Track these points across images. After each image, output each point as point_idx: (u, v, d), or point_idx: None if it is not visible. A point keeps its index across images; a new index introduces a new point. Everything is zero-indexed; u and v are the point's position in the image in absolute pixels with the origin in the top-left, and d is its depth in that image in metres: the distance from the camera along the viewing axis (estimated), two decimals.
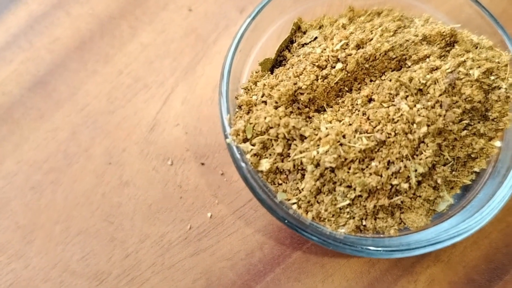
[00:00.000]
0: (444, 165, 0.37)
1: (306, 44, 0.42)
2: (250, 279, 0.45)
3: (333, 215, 0.36)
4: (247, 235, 0.46)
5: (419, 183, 0.36)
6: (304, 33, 0.44)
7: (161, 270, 0.45)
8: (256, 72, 0.42)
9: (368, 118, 0.36)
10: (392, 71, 0.38)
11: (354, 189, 0.36)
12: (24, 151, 0.50)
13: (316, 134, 0.35)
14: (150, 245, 0.46)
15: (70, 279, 0.45)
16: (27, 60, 0.53)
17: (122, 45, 0.53)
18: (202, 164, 0.48)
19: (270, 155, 0.37)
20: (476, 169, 0.39)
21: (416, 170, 0.35)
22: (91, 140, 0.50)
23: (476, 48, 0.39)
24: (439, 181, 0.36)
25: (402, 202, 0.36)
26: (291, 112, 0.37)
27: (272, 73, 0.42)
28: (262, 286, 0.44)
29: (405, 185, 0.35)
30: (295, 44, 0.43)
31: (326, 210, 0.36)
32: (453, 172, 0.39)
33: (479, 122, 0.38)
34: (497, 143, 0.39)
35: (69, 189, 0.48)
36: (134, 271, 0.45)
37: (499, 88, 0.37)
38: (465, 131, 0.37)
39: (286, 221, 0.36)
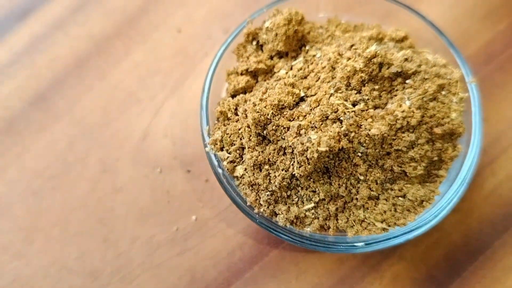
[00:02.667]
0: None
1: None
2: (231, 275, 0.49)
3: (297, 217, 0.41)
4: (229, 236, 0.50)
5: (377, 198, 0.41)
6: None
7: (150, 268, 0.50)
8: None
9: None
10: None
11: (318, 194, 0.40)
12: (26, 160, 0.54)
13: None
14: (140, 245, 0.50)
15: (67, 276, 0.50)
16: (29, 77, 0.58)
17: (117, 62, 0.58)
18: (188, 171, 0.53)
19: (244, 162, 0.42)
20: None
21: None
22: (87, 150, 0.54)
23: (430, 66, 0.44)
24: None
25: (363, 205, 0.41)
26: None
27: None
28: (242, 282, 0.49)
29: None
30: None
31: (292, 212, 0.40)
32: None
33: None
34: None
35: (67, 195, 0.53)
36: (125, 269, 0.50)
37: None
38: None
39: (257, 221, 0.41)
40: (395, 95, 0.40)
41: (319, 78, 0.41)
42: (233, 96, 0.45)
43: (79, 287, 0.49)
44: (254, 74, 0.46)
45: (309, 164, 0.38)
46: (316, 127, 0.38)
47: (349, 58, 0.40)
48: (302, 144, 0.37)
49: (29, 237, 0.51)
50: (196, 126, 0.54)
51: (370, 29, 0.47)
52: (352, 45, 0.42)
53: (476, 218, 0.50)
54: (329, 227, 0.41)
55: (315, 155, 0.36)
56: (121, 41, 0.59)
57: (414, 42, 0.46)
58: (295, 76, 0.43)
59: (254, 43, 0.47)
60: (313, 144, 0.36)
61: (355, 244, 0.40)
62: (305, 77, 0.43)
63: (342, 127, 0.37)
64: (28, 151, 0.55)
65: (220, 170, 0.42)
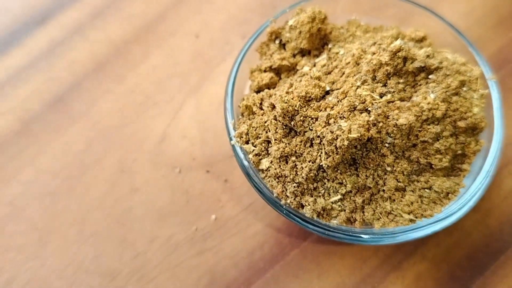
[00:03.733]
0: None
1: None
2: (251, 275, 0.48)
3: (324, 209, 0.41)
4: (248, 236, 0.50)
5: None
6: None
7: (169, 269, 0.49)
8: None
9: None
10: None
11: (345, 185, 0.40)
12: (43, 161, 0.54)
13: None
14: (159, 246, 0.50)
15: (83, 277, 0.49)
16: (48, 80, 0.58)
17: (135, 66, 0.59)
18: (207, 171, 0.53)
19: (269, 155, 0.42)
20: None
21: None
22: (104, 151, 0.54)
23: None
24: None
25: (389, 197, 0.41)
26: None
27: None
28: (263, 281, 0.48)
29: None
30: None
31: (319, 204, 0.40)
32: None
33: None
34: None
35: (84, 195, 0.52)
36: (143, 270, 0.49)
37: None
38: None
39: (284, 212, 0.41)
40: (419, 89, 0.41)
41: (343, 73, 0.42)
42: (257, 92, 0.46)
43: (96, 287, 0.48)
44: (277, 72, 0.47)
45: (337, 154, 0.38)
46: (344, 117, 0.38)
47: (373, 53, 0.41)
48: (332, 132, 0.37)
49: (45, 237, 0.51)
50: (214, 127, 0.55)
51: (390, 30, 0.48)
52: (375, 42, 0.43)
53: (496, 218, 0.50)
54: (355, 220, 0.41)
55: (346, 142, 0.36)
56: (139, 45, 0.60)
57: (432, 42, 0.48)
58: (319, 71, 0.43)
59: (277, 41, 0.48)
60: (343, 132, 0.37)
61: (382, 234, 0.40)
62: (329, 73, 0.43)
63: (370, 116, 0.38)
64: (44, 152, 0.55)
65: (246, 163, 0.42)
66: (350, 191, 0.41)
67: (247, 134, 0.43)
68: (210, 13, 0.62)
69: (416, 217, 0.40)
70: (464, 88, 0.43)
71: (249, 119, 0.44)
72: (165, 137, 0.55)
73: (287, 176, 0.41)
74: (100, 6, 0.62)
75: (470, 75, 0.44)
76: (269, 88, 0.46)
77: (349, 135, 0.36)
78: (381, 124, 0.38)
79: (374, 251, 0.49)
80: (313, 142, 0.40)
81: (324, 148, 0.39)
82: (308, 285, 0.48)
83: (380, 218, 0.40)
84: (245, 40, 0.49)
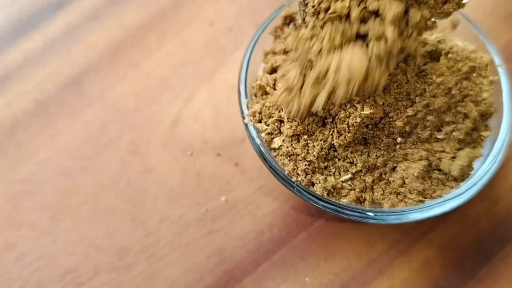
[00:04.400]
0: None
1: None
2: (259, 256, 0.49)
3: (334, 188, 0.42)
4: (258, 218, 0.51)
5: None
6: None
7: (179, 247, 0.50)
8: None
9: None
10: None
11: (356, 165, 0.41)
12: (58, 141, 0.55)
13: None
14: (169, 225, 0.51)
15: (94, 253, 0.50)
16: (64, 63, 0.60)
17: (150, 53, 0.60)
18: (218, 155, 0.54)
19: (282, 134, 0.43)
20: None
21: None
22: (119, 133, 0.55)
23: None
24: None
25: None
26: None
27: None
28: (271, 262, 0.49)
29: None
30: None
31: (330, 182, 0.41)
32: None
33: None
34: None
35: (97, 175, 0.53)
36: (153, 248, 0.50)
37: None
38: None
39: (295, 189, 0.41)
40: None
41: None
42: (270, 73, 0.47)
43: (106, 264, 0.49)
44: None
45: (349, 132, 0.39)
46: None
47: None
48: (345, 110, 0.38)
49: (58, 215, 0.52)
50: (226, 112, 0.56)
51: None
52: None
53: (502, 208, 0.50)
54: (365, 199, 0.42)
55: (358, 120, 0.37)
56: (155, 33, 0.61)
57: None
58: None
59: (291, 25, 0.49)
60: (356, 109, 0.37)
61: (392, 212, 0.40)
62: None
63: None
64: (60, 133, 0.56)
65: (258, 141, 0.43)
66: (361, 171, 0.41)
67: (260, 113, 0.44)
68: (225, 2, 0.63)
69: (425, 197, 0.41)
70: (474, 74, 0.44)
71: (262, 99, 0.45)
72: (178, 121, 0.56)
73: (298, 155, 0.41)
74: None
75: (480, 62, 0.44)
76: None
77: (362, 112, 0.37)
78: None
79: (381, 237, 0.49)
80: (325, 121, 0.41)
81: (336, 127, 0.39)
82: (315, 267, 0.48)
83: (390, 198, 0.41)
84: (258, 28, 0.50)
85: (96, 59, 0.60)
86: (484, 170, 0.42)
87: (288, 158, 0.42)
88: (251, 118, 0.44)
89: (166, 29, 0.62)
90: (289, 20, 0.48)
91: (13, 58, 0.60)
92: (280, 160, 0.43)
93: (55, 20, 0.62)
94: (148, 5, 0.63)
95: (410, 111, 0.39)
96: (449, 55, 0.43)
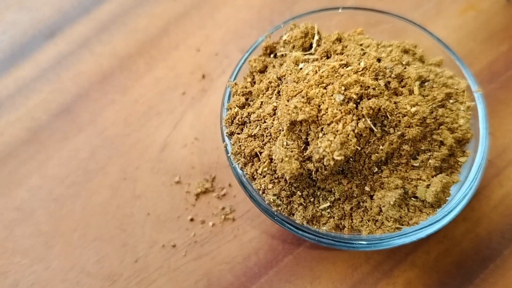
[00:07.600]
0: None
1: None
2: (246, 280, 0.50)
3: (314, 216, 0.43)
4: (244, 242, 0.52)
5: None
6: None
7: (167, 272, 0.51)
8: None
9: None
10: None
11: (334, 194, 0.42)
12: (49, 168, 0.57)
13: None
14: (158, 250, 0.52)
15: (85, 279, 0.51)
16: (55, 91, 0.61)
17: (139, 78, 0.61)
18: (206, 180, 0.55)
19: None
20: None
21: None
22: (108, 159, 0.57)
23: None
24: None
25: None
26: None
27: None
28: (257, 286, 0.50)
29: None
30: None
31: (309, 211, 0.42)
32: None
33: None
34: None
35: (88, 201, 0.55)
36: (143, 273, 0.51)
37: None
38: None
39: (275, 218, 0.42)
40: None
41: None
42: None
43: None
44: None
45: (326, 169, 0.39)
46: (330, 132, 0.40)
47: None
48: (318, 153, 0.38)
49: (50, 241, 0.53)
50: (213, 137, 0.57)
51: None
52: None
53: (485, 228, 0.51)
54: (344, 226, 0.43)
55: (331, 162, 0.38)
56: (143, 58, 0.63)
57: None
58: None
59: (272, 56, 0.50)
60: (328, 153, 0.38)
61: (370, 241, 0.41)
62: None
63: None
64: (51, 159, 0.57)
65: (241, 172, 0.44)
66: (339, 199, 0.42)
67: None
68: (211, 28, 0.64)
69: (402, 225, 0.42)
70: (451, 100, 0.45)
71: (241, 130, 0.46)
72: (166, 146, 0.57)
73: (278, 184, 0.42)
74: (106, 20, 0.65)
75: (457, 88, 0.45)
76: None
77: (334, 156, 0.38)
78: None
79: (366, 259, 0.50)
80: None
81: (314, 164, 0.40)
82: None
83: (368, 225, 0.42)
84: (243, 54, 0.51)
85: (86, 86, 0.61)
86: (461, 195, 0.43)
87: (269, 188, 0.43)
88: (233, 157, 0.45)
89: (155, 54, 0.63)
90: (269, 50, 0.50)
91: (5, 86, 0.61)
92: (261, 190, 0.44)
93: (46, 48, 0.64)
94: (136, 31, 0.64)
95: (385, 144, 0.40)
96: (426, 84, 0.44)
